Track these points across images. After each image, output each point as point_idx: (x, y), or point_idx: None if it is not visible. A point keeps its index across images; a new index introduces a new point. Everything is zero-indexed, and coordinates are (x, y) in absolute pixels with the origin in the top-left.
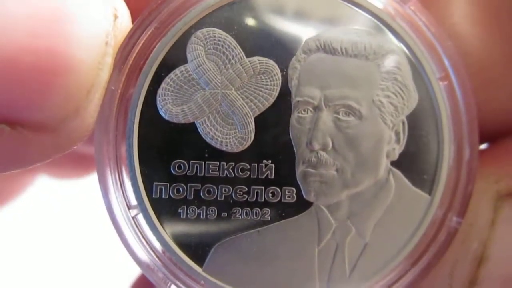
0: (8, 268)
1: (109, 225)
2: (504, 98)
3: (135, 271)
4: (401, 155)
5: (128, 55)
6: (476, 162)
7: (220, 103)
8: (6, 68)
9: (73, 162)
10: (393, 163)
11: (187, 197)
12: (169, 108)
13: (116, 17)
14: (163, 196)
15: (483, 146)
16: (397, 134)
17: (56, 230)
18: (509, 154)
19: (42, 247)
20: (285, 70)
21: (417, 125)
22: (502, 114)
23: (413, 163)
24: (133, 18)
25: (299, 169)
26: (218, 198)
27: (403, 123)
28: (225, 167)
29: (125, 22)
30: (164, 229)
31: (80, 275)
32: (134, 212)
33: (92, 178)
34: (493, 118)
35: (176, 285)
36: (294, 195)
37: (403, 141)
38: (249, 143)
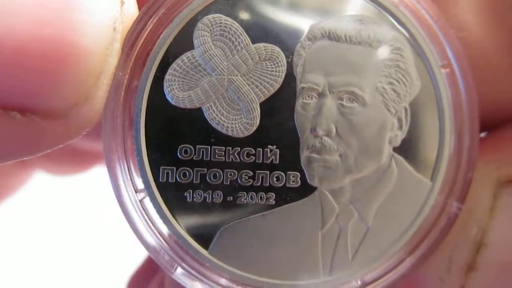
0: (5, 263)
1: (115, 210)
2: (506, 87)
3: (132, 267)
4: (403, 141)
5: (135, 42)
6: (477, 148)
7: (226, 89)
8: (16, 56)
9: (71, 158)
10: (396, 149)
11: (194, 181)
12: (176, 94)
13: (122, 3)
14: (169, 180)
15: (483, 134)
16: (399, 120)
17: (54, 226)
18: (510, 141)
19: (39, 244)
20: (290, 56)
21: (419, 111)
22: (503, 102)
23: (415, 149)
24: (139, 4)
25: (304, 155)
26: (224, 183)
27: (406, 110)
28: (230, 152)
29: (132, 8)
30: (170, 213)
31: (77, 269)
32: (141, 195)
33: (90, 175)
34: (494, 106)
35: (182, 267)
36: (298, 179)
37: (406, 128)
38: (254, 128)
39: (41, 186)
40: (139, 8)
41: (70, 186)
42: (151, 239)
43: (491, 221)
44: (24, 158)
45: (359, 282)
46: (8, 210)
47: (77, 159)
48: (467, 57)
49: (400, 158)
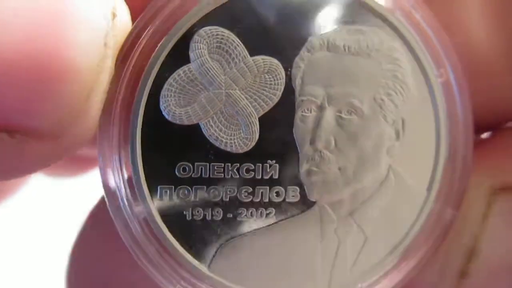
0: (4, 264)
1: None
2: (508, 90)
3: None
4: (400, 151)
5: (129, 56)
6: (471, 157)
7: (224, 104)
8: (2, 74)
9: (69, 161)
10: (393, 159)
11: (193, 199)
12: (173, 110)
13: (114, 15)
14: (168, 199)
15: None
16: (396, 131)
17: (52, 229)
18: (505, 149)
19: (37, 246)
20: (289, 69)
21: (416, 121)
22: (504, 106)
23: (411, 158)
24: (133, 16)
25: (303, 168)
26: (224, 199)
27: (403, 120)
28: (229, 168)
29: (125, 21)
30: (170, 231)
31: None
32: (139, 215)
33: (88, 177)
34: (496, 110)
35: (181, 285)
36: (298, 194)
37: (402, 138)
38: (253, 143)
39: (40, 188)
40: (133, 19)
41: (69, 188)
42: (150, 257)
43: (484, 228)
44: (13, 179)
45: None
46: (7, 212)
47: (76, 162)
48: (470, 62)
49: (398, 168)
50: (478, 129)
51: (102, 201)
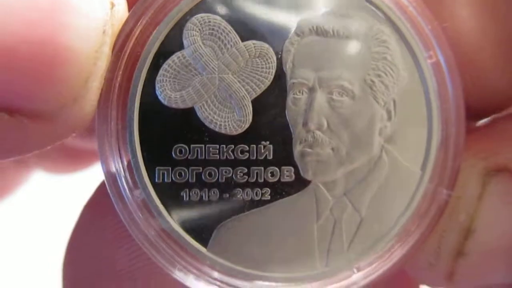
0: (3, 263)
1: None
2: (496, 76)
3: None
4: (393, 132)
5: (125, 43)
6: (463, 136)
7: (217, 87)
8: (4, 57)
9: (69, 157)
10: (386, 140)
11: (189, 180)
12: (168, 94)
13: (113, 5)
14: (165, 180)
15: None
16: (388, 112)
17: (53, 225)
18: (499, 133)
19: (37, 242)
20: (280, 53)
21: (408, 102)
22: (494, 92)
23: (404, 139)
24: (129, 5)
25: (296, 149)
26: (220, 180)
27: (394, 101)
28: (225, 150)
29: (122, 10)
30: (168, 212)
31: None
32: (138, 196)
33: (87, 173)
34: (485, 96)
35: (182, 266)
36: (293, 174)
37: (395, 118)
38: (247, 125)
39: (40, 185)
40: (129, 8)
41: (69, 184)
42: (150, 240)
43: (479, 208)
44: (11, 158)
45: (355, 271)
46: (7, 209)
47: (75, 158)
48: (460, 48)
49: (391, 149)
50: (471, 117)
51: (98, 192)
